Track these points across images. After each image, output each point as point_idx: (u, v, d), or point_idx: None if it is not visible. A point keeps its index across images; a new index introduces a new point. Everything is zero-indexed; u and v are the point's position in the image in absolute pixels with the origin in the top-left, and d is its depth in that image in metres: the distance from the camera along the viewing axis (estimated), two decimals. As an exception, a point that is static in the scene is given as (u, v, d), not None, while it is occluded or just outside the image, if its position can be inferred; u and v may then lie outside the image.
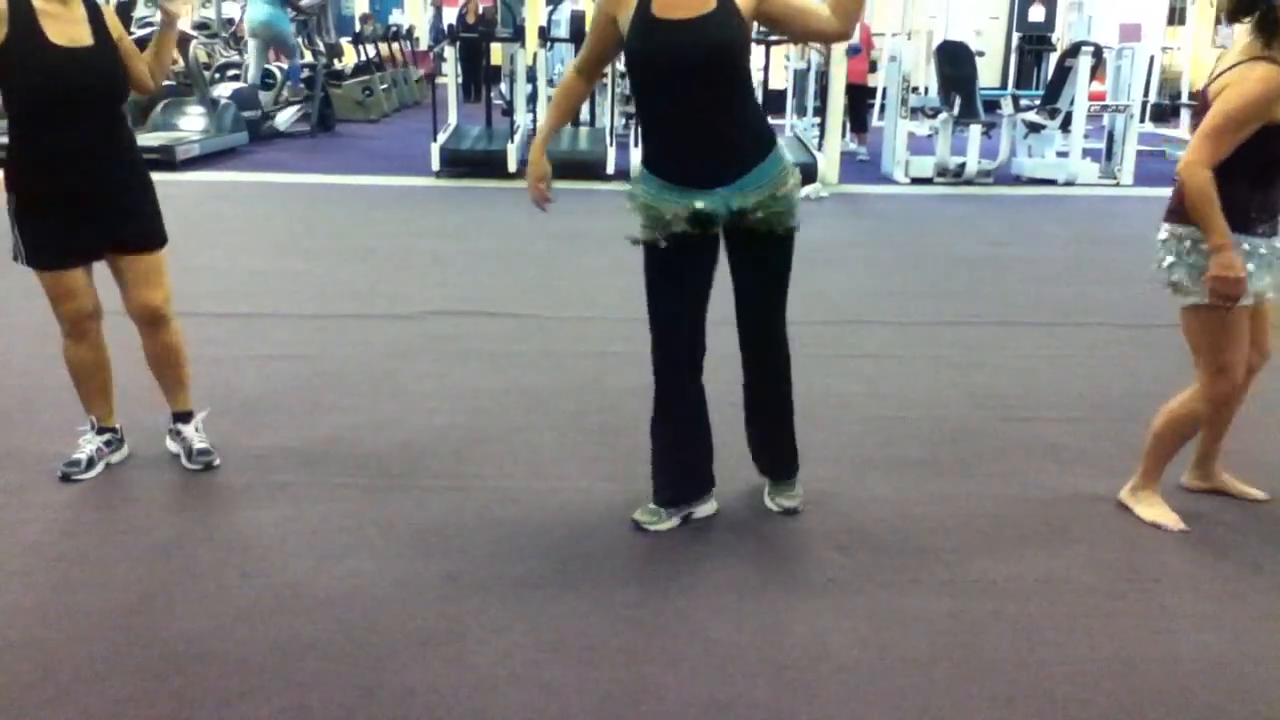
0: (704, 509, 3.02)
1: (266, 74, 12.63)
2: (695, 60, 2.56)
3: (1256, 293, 2.81)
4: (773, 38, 10.07)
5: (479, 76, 14.89)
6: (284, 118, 12.27)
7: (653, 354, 2.87)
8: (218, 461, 3.30)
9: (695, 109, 2.61)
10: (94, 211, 3.02)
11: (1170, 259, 2.85)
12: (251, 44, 12.72)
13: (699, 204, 2.67)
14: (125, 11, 11.81)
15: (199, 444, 3.31)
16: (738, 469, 3.16)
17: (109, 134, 3.02)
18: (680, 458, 2.96)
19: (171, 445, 3.37)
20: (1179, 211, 2.81)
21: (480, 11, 17.35)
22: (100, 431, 3.28)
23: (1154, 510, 3.07)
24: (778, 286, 2.88)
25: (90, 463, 3.21)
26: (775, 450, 3.11)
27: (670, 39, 2.57)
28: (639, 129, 2.95)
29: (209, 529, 2.95)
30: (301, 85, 12.78)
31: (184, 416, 3.36)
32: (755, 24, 2.67)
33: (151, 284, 3.18)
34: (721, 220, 2.71)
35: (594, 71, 2.93)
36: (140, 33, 11.42)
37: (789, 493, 3.11)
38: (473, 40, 12.54)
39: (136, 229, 3.14)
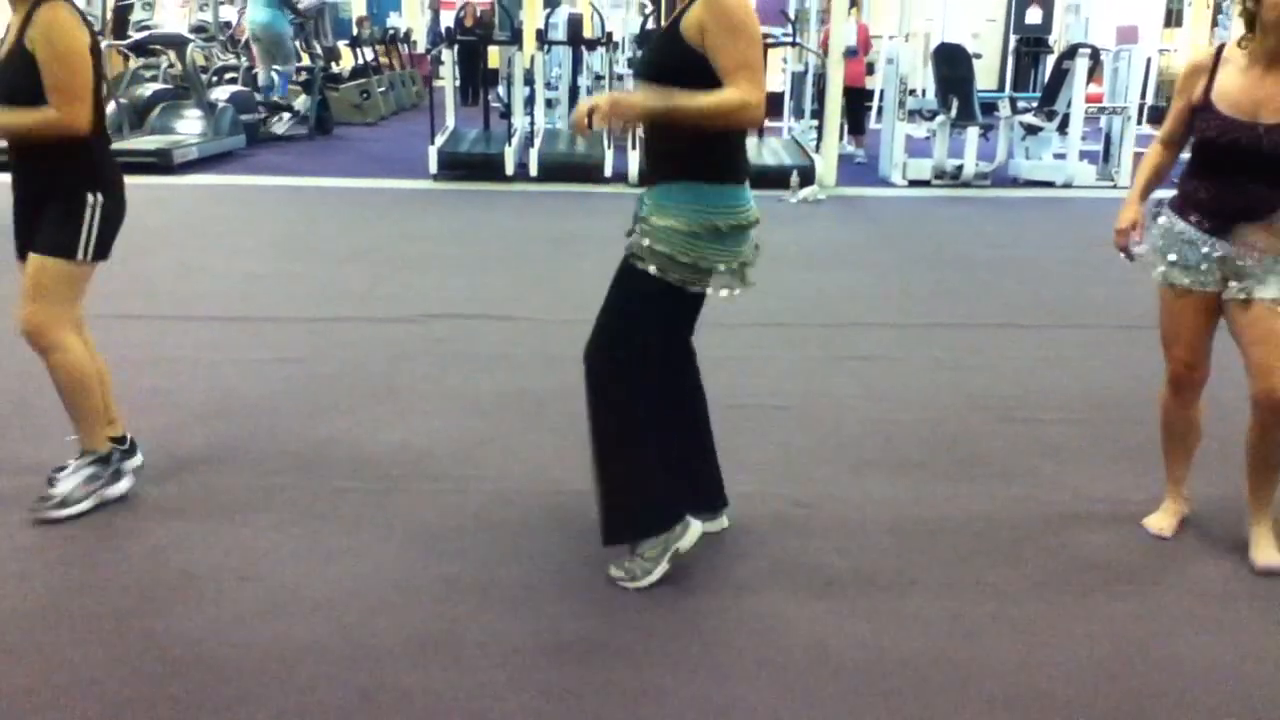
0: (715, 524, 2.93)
1: (268, 79, 12.64)
2: (640, 73, 2.60)
3: (1169, 280, 2.80)
4: (768, 40, 10.10)
5: (477, 80, 14.90)
6: (281, 124, 12.28)
7: None
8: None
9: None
10: (30, 212, 2.96)
11: (1145, 234, 2.90)
12: (255, 47, 12.72)
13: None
14: (123, 15, 11.83)
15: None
16: (734, 473, 3.15)
17: (33, 140, 2.89)
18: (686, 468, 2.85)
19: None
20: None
21: (478, 15, 17.38)
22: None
23: (1153, 516, 3.06)
24: (609, 308, 2.62)
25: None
26: (599, 499, 2.70)
27: (642, 52, 2.60)
28: None
29: (206, 533, 2.94)
30: (286, 96, 12.71)
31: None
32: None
33: (24, 297, 2.91)
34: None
35: None
36: (137, 36, 11.45)
37: (620, 562, 2.72)
38: (470, 43, 12.55)
39: (39, 235, 2.93)
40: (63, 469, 3.07)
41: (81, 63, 2.81)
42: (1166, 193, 2.90)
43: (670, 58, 2.46)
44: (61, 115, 2.79)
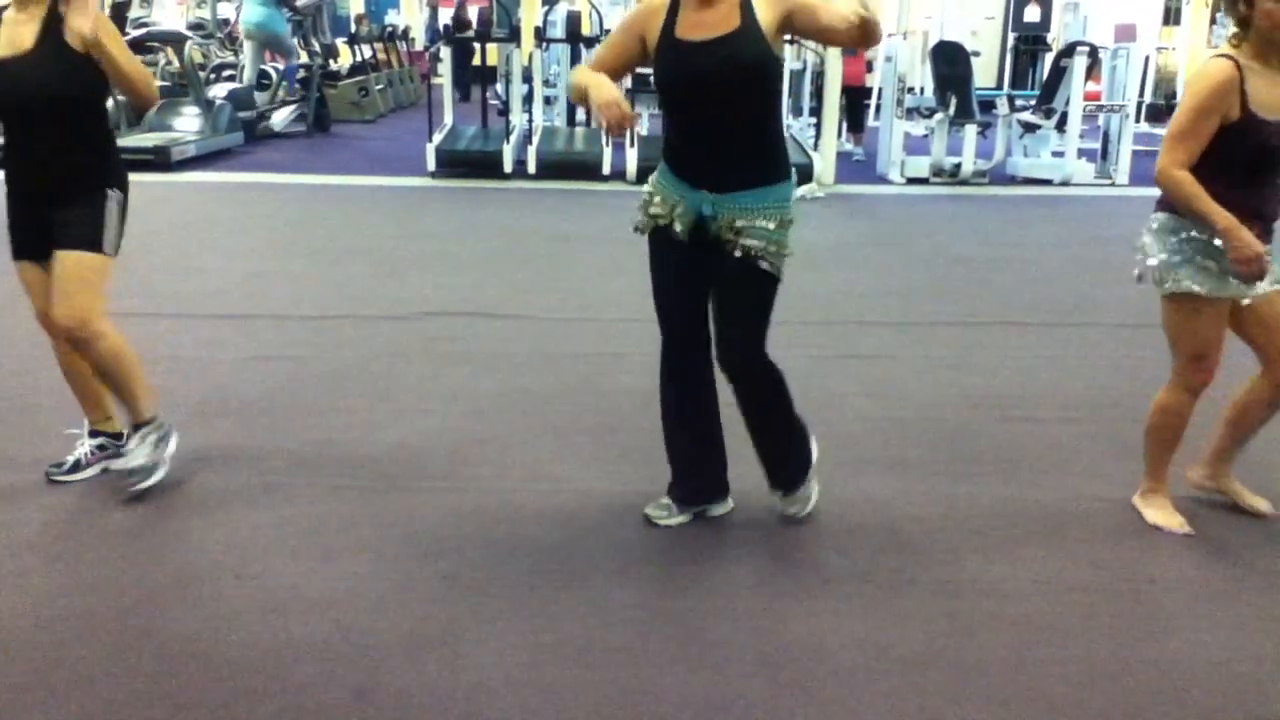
0: (718, 508, 3.06)
1: (262, 74, 12.61)
2: (713, 82, 2.59)
3: (1213, 293, 2.80)
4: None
5: (466, 78, 14.89)
6: (280, 118, 12.26)
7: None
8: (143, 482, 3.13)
9: (712, 127, 2.66)
10: (42, 211, 2.98)
11: (1154, 245, 2.86)
12: (247, 45, 12.70)
13: (690, 199, 2.70)
14: (120, 12, 11.81)
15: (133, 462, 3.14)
16: (734, 470, 3.15)
17: (57, 138, 2.93)
18: (688, 455, 2.99)
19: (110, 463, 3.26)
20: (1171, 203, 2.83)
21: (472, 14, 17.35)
22: (93, 435, 3.26)
23: (1159, 513, 3.06)
24: (750, 318, 2.79)
25: (77, 465, 3.20)
26: (766, 462, 3.02)
27: (691, 62, 2.61)
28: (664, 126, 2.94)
29: (204, 531, 2.94)
30: (297, 86, 12.75)
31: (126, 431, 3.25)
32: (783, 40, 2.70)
33: (62, 293, 2.94)
34: (709, 223, 2.69)
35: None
36: (135, 34, 11.44)
37: (788, 499, 3.05)
38: (464, 41, 12.52)
39: (65, 232, 2.97)
40: (122, 447, 3.22)
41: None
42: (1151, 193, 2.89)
43: (760, 54, 2.58)
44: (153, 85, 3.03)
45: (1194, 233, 2.78)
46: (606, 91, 2.54)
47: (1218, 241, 2.73)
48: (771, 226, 2.68)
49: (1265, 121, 2.67)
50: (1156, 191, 2.87)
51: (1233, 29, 2.72)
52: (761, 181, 2.68)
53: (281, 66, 12.74)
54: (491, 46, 11.84)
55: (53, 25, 2.86)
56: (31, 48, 2.86)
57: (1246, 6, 2.62)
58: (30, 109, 2.90)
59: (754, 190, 2.67)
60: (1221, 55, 2.71)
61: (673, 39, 2.64)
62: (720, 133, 2.65)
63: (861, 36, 2.43)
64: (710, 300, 2.81)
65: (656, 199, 2.77)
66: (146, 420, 3.16)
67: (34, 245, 3.02)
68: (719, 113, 2.62)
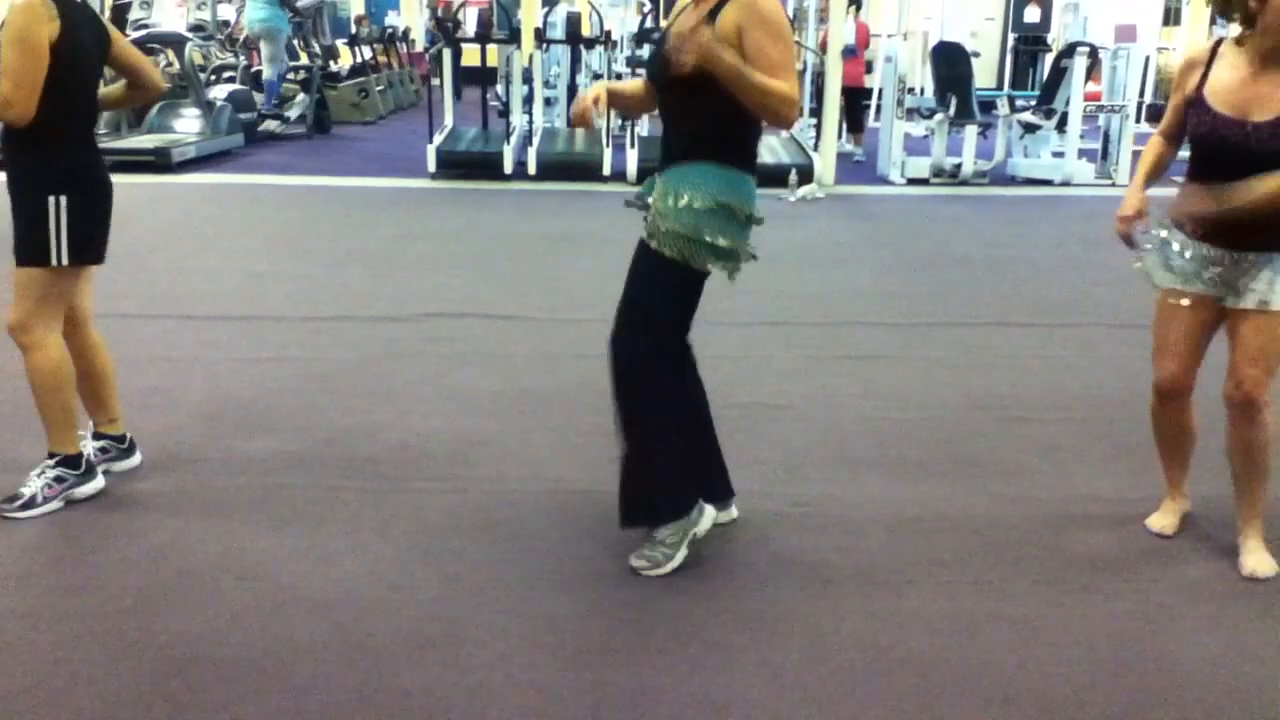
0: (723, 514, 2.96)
1: (257, 77, 12.61)
2: (660, 70, 2.56)
3: (1165, 287, 2.80)
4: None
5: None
6: (269, 126, 12.24)
7: None
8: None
9: (669, 114, 2.67)
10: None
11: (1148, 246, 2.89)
12: (263, 45, 12.69)
13: (648, 185, 2.71)
14: (121, 14, 11.81)
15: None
16: (733, 472, 3.15)
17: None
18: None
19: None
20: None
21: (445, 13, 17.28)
22: (97, 438, 3.26)
23: (1155, 514, 3.05)
24: (629, 297, 2.67)
25: None
26: (620, 484, 2.75)
27: (659, 51, 2.62)
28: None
29: (204, 532, 2.94)
30: (275, 103, 12.60)
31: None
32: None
33: (13, 295, 2.93)
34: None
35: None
36: (135, 35, 11.43)
37: (641, 551, 2.75)
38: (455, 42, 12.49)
39: (13, 239, 2.92)
40: (125, 449, 3.20)
41: (34, 53, 2.77)
42: (1161, 190, 2.90)
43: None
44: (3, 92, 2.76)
45: (1165, 233, 2.80)
46: (597, 87, 2.66)
47: (1182, 242, 2.74)
48: (675, 204, 2.52)
49: (1210, 108, 2.64)
50: (1156, 191, 2.88)
51: (1235, 29, 2.71)
52: (689, 159, 2.57)
53: (267, 73, 12.65)
54: (491, 47, 11.82)
55: None
56: None
57: (1258, 1, 2.54)
58: None
59: (680, 166, 2.59)
60: (1219, 39, 2.74)
61: (659, 27, 2.66)
62: (673, 119, 2.65)
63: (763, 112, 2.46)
64: None
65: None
66: (58, 452, 3.04)
67: None
68: (673, 101, 2.62)
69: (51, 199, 2.88)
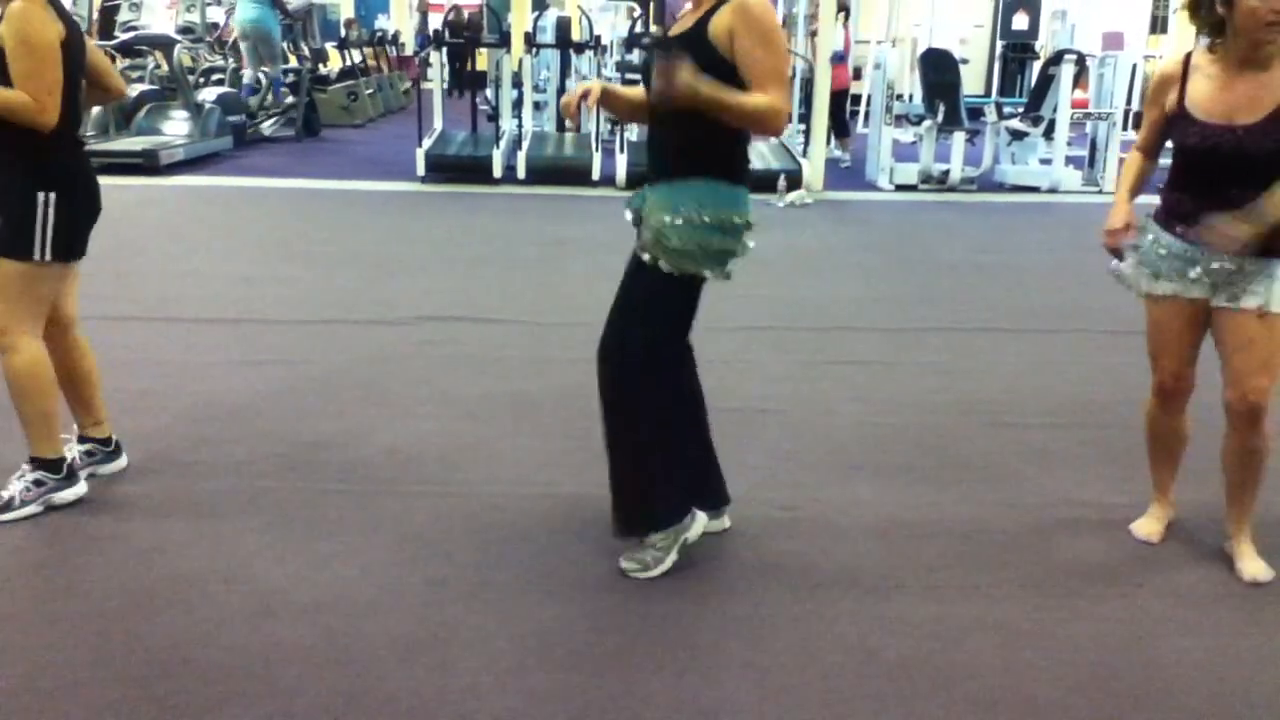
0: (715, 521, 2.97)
1: (254, 80, 12.58)
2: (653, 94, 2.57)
3: (1155, 291, 2.81)
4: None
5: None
6: (269, 125, 12.23)
7: None
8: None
9: (656, 122, 2.66)
10: None
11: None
12: (243, 46, 12.66)
13: (637, 196, 2.71)
14: (109, 16, 11.77)
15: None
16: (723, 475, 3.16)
17: None
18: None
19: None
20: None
21: (465, 17, 17.35)
22: (82, 440, 3.25)
23: (1141, 520, 3.06)
24: (621, 307, 2.69)
25: None
26: (613, 494, 2.77)
27: (654, 57, 2.61)
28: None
29: (192, 535, 2.93)
30: (284, 89, 12.68)
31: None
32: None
33: None
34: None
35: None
36: (124, 37, 11.40)
37: (631, 554, 2.78)
38: (456, 45, 12.52)
39: None
40: (111, 452, 3.21)
41: (51, 55, 2.79)
42: (1148, 199, 2.92)
43: (696, 61, 2.44)
44: (33, 103, 2.76)
45: (1153, 236, 2.82)
46: (596, 85, 2.69)
47: (1170, 245, 2.76)
48: (673, 223, 2.52)
49: (1196, 120, 2.66)
50: (1142, 199, 2.90)
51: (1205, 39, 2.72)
52: (682, 175, 2.57)
53: (268, 71, 12.67)
54: (481, 51, 11.84)
55: None
56: None
57: (1225, 7, 2.56)
58: None
59: (672, 183, 2.58)
60: (1188, 52, 2.75)
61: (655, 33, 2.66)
62: (664, 133, 2.64)
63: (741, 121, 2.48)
64: None
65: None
66: (36, 457, 3.02)
67: None
68: (664, 117, 2.60)
69: (41, 195, 2.86)
